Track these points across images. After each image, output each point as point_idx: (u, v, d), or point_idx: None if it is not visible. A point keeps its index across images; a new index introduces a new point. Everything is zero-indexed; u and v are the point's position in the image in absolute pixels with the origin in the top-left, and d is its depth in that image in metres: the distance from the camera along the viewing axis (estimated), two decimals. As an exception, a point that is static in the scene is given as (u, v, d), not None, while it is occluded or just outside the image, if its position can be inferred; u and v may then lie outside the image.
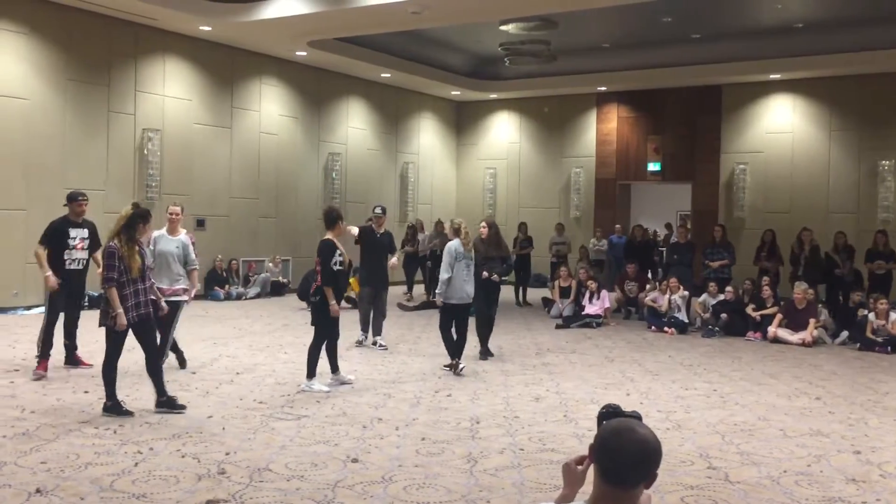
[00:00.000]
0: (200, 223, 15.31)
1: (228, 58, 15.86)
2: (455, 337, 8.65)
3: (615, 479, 2.05)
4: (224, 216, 15.89)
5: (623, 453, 2.03)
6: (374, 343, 10.12)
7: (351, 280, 14.88)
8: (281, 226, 16.98)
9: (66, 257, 7.93)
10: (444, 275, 8.58)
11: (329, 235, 7.63)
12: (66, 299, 7.94)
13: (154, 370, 6.45)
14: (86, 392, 7.04)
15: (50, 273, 7.74)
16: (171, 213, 8.36)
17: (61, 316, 7.96)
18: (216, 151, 15.73)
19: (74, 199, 8.14)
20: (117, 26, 13.81)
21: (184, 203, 10.12)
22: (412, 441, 5.75)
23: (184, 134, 15.08)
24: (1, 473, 4.81)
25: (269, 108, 16.86)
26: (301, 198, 17.32)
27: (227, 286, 15.31)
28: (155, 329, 6.62)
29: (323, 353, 7.57)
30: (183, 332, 10.70)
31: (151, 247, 8.07)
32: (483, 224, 9.74)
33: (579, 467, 2.28)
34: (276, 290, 16.01)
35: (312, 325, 7.57)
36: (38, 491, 4.50)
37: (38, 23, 12.76)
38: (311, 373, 7.45)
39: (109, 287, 6.18)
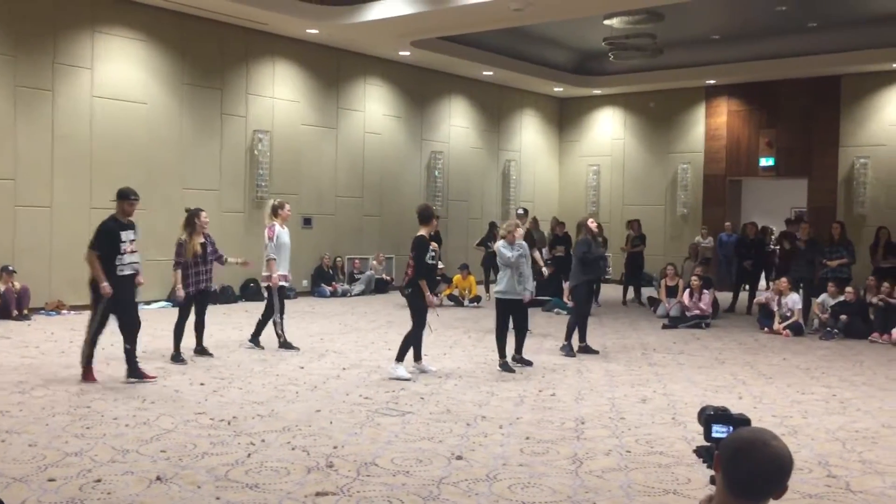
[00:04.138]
0: (307, 221, 15.71)
1: (334, 59, 16.20)
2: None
3: (747, 494, 1.95)
4: (330, 214, 16.24)
5: (758, 470, 1.93)
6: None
7: (455, 277, 15.05)
8: (384, 224, 17.22)
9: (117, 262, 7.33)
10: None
11: (422, 231, 8.09)
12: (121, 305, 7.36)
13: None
14: (202, 384, 7.32)
15: (106, 283, 7.18)
16: (288, 211, 9.67)
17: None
18: (322, 151, 16.10)
19: (126, 197, 7.44)
20: (230, 32, 14.32)
21: (290, 201, 10.76)
22: (516, 440, 5.71)
23: (292, 134, 15.49)
24: (124, 460, 5.04)
25: (374, 107, 17.12)
26: (404, 196, 17.51)
27: (334, 283, 15.66)
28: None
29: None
30: (292, 328, 11.05)
31: (274, 241, 9.20)
32: (593, 220, 10.01)
33: None
34: (380, 287, 16.25)
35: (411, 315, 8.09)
36: (158, 478, 4.70)
37: (156, 30, 13.35)
38: (399, 356, 7.87)
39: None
